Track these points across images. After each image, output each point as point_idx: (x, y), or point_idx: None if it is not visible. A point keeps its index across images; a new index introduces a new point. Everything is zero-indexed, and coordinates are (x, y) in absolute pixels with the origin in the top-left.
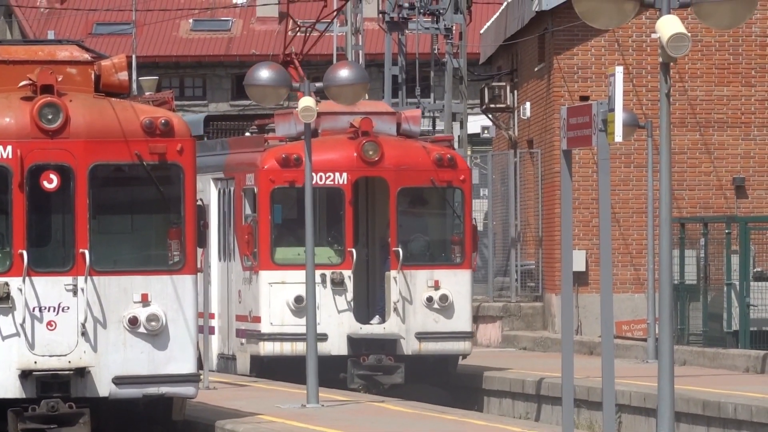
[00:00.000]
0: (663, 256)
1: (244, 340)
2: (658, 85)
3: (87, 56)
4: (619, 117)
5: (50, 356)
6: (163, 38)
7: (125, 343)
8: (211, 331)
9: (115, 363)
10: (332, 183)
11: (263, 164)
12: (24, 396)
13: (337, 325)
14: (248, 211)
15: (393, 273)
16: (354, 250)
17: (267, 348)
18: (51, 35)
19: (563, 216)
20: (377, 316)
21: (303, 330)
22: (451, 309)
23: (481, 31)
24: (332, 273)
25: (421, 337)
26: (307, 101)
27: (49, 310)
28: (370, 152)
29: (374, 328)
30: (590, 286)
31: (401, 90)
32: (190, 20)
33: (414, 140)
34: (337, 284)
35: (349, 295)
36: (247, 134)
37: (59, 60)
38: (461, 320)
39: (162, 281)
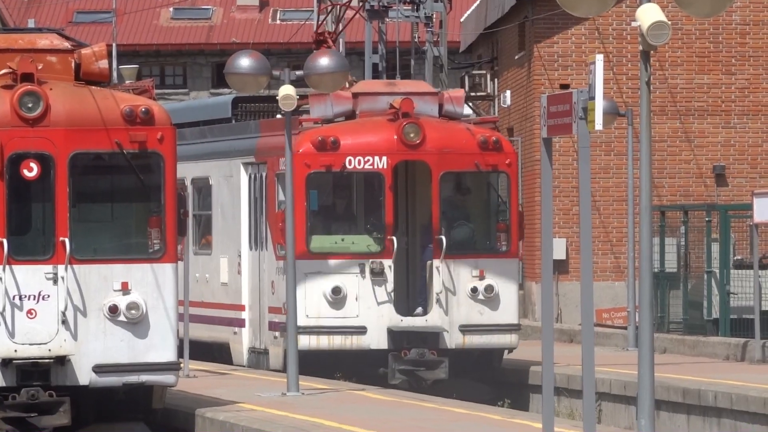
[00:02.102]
0: (643, 244)
1: (278, 334)
2: (639, 73)
3: (67, 45)
4: (599, 105)
5: (30, 344)
6: (143, 27)
7: (105, 332)
8: (241, 323)
9: (95, 351)
10: (371, 167)
11: (298, 147)
12: (4, 384)
13: (377, 318)
14: (282, 197)
15: (435, 262)
16: (394, 239)
17: (302, 342)
18: (31, 24)
19: (543, 204)
20: (419, 308)
21: (341, 323)
22: (496, 300)
23: (462, 20)
24: (371, 263)
25: (466, 330)
26: (286, 90)
27: (29, 299)
28: (411, 135)
29: (416, 321)
30: (570, 274)
31: (381, 78)
32: (171, 9)
33: (457, 122)
34: (377, 274)
35: (390, 285)
36: (278, 116)
37: (39, 48)
38: (507, 312)
39: (142, 269)
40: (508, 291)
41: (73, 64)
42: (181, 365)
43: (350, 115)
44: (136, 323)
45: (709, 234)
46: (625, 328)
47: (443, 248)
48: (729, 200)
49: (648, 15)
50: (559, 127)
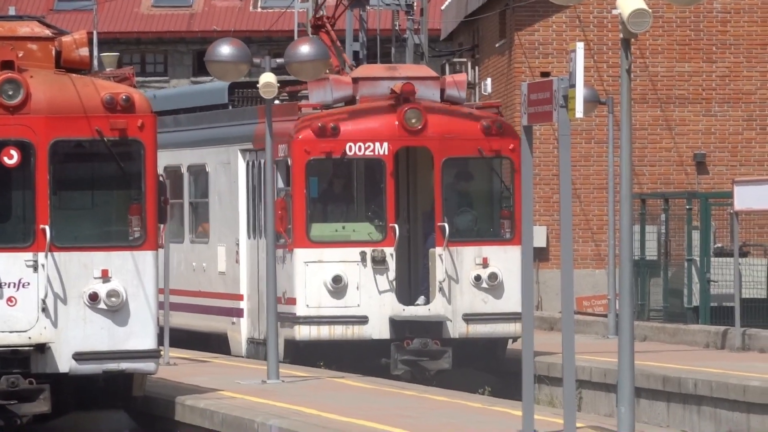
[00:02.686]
0: (624, 232)
1: (278, 324)
2: (619, 61)
3: (48, 32)
4: (579, 93)
5: (10, 332)
6: (124, 14)
7: (85, 319)
8: (239, 313)
9: (75, 339)
10: (372, 154)
11: (297, 134)
12: None
13: (379, 307)
14: (281, 184)
15: (438, 250)
16: (396, 226)
17: (303, 332)
18: (12, 11)
19: (523, 192)
20: (421, 297)
21: (342, 312)
22: (500, 288)
23: (443, 8)
24: (373, 251)
25: (469, 318)
26: (267, 77)
27: (9, 286)
28: (413, 120)
29: (418, 310)
30: (551, 261)
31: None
32: None
33: (460, 107)
34: (378, 263)
35: (391, 274)
36: (276, 102)
37: (20, 36)
38: (512, 300)
39: (122, 257)
40: (512, 279)
41: (53, 52)
42: (161, 353)
43: (350, 101)
44: (116, 311)
45: (690, 222)
46: (606, 315)
47: (446, 235)
48: (709, 188)
49: (629, 3)
50: (540, 115)
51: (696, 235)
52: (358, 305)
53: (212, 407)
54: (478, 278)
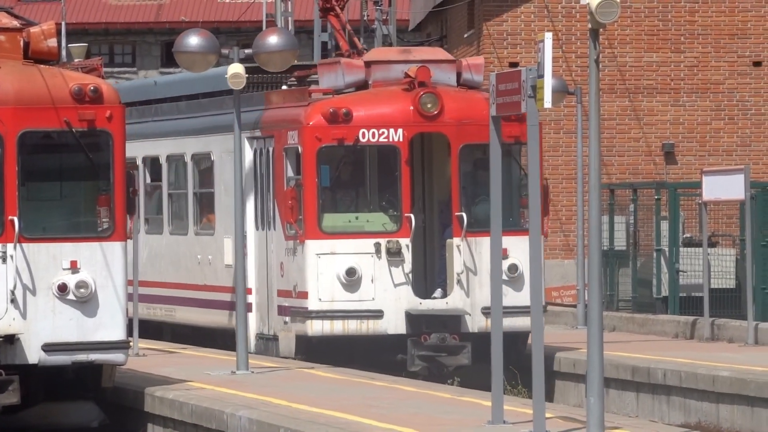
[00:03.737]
0: (592, 222)
1: (288, 319)
2: (588, 51)
3: (16, 23)
4: (548, 83)
5: None
6: (92, 5)
7: (54, 310)
8: (248, 308)
9: (44, 330)
10: (386, 140)
11: (308, 120)
12: None
13: (394, 301)
14: (291, 173)
15: (456, 241)
16: (412, 216)
17: (315, 327)
18: None
19: (492, 182)
20: (438, 290)
21: (356, 306)
22: (521, 280)
23: None
24: (388, 242)
25: (488, 312)
26: (235, 68)
27: None
28: (429, 105)
29: (436, 304)
30: None
31: (330, 57)
32: None
33: (476, 91)
34: (394, 254)
35: (407, 266)
36: (284, 87)
37: None
38: None
39: (91, 248)
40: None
41: (21, 43)
42: (131, 344)
43: (362, 85)
44: (85, 302)
45: (659, 212)
46: (575, 306)
47: (464, 225)
48: (678, 178)
49: None
50: (509, 105)
51: (665, 226)
52: (373, 299)
53: (181, 398)
54: None
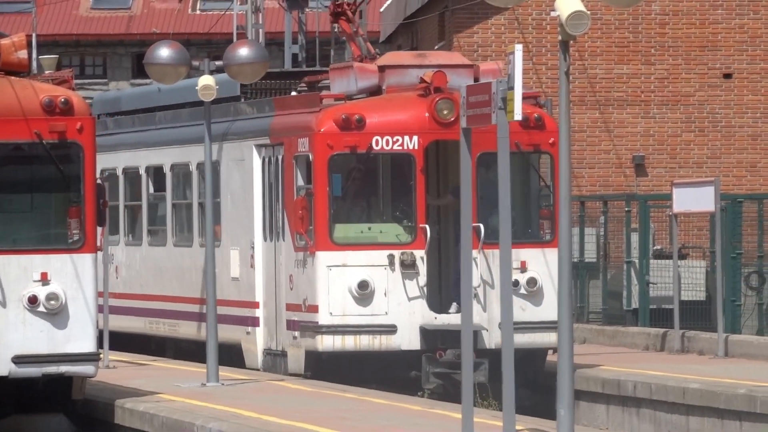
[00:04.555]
0: (562, 234)
1: (297, 334)
2: (558, 63)
3: None
4: (518, 95)
5: None
6: (63, 17)
7: (25, 322)
8: (255, 322)
9: (14, 342)
10: (400, 148)
11: (319, 127)
12: None
13: (408, 315)
14: (301, 182)
15: (473, 253)
16: (427, 227)
17: (326, 342)
18: None
19: (463, 193)
20: (454, 304)
21: (368, 321)
22: (540, 294)
23: (381, 9)
24: (402, 254)
25: None
26: (206, 80)
27: None
28: (445, 111)
29: (451, 318)
30: None
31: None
32: None
33: None
34: (408, 267)
35: (422, 279)
36: (293, 93)
37: None
38: (552, 307)
39: (62, 260)
40: (552, 284)
41: None
42: (101, 356)
43: (376, 91)
44: (56, 314)
45: (629, 224)
46: None
47: (481, 237)
48: (648, 190)
49: (567, 5)
50: (479, 117)
51: (635, 237)
52: (386, 313)
53: (152, 410)
54: (515, 284)
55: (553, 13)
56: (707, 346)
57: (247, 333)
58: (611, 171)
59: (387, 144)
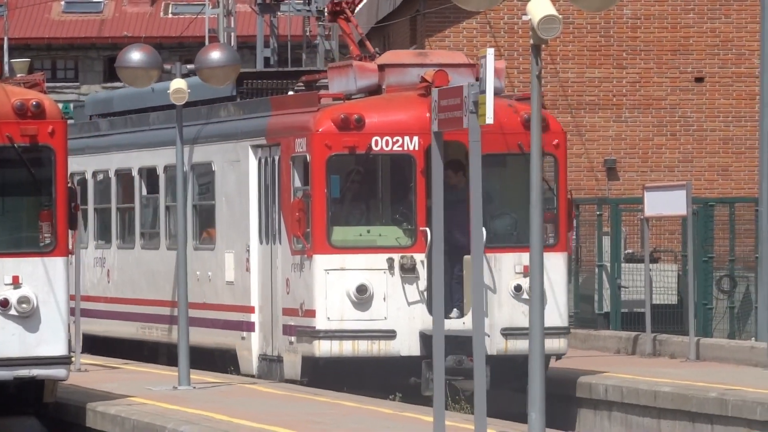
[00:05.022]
0: (534, 238)
1: (293, 339)
2: (530, 66)
3: None
4: (490, 99)
5: None
6: (35, 20)
7: None
8: (250, 327)
9: None
10: (400, 149)
11: (317, 127)
12: None
13: (408, 320)
14: (298, 183)
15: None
16: (428, 230)
17: (323, 348)
18: None
19: (434, 198)
20: (455, 309)
21: (367, 326)
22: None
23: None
24: (401, 257)
25: (508, 333)
26: (178, 83)
27: None
28: None
29: (452, 324)
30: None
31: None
32: (62, 2)
33: (498, 98)
34: (408, 271)
35: (422, 283)
36: (290, 93)
37: None
38: (555, 313)
39: (33, 263)
40: (556, 289)
41: None
42: (73, 359)
43: (375, 90)
44: (27, 317)
45: (600, 228)
46: None
47: (483, 241)
48: (620, 194)
49: (539, 9)
50: (450, 121)
51: (606, 241)
52: (385, 318)
53: (123, 413)
54: (518, 288)
55: (524, 17)
56: (679, 350)
57: (242, 338)
58: (583, 175)
59: (387, 145)
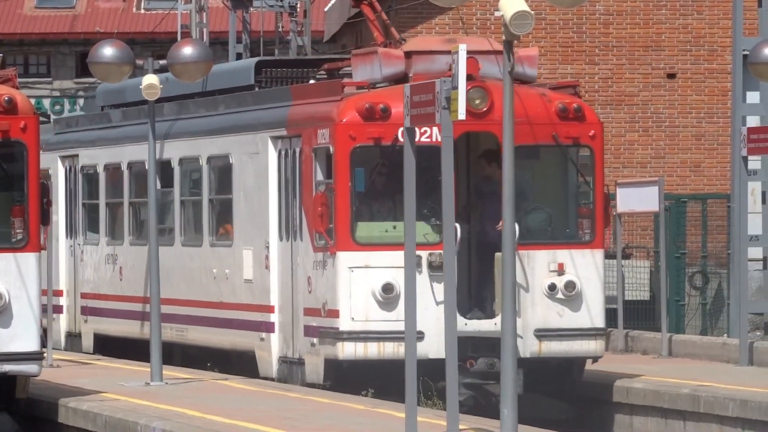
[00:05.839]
0: (506, 235)
1: (315, 340)
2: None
3: None
4: (462, 95)
5: None
6: (6, 15)
7: None
8: (270, 328)
9: None
10: (428, 140)
11: (341, 117)
12: None
13: (436, 321)
14: (320, 176)
15: None
16: (458, 226)
17: (347, 350)
18: None
19: (406, 195)
20: (476, 309)
21: (393, 327)
22: (578, 299)
23: (326, 9)
24: (429, 254)
25: (542, 335)
26: (150, 79)
27: None
28: (477, 101)
29: (483, 325)
30: None
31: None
32: None
33: (530, 86)
34: (436, 269)
35: None
36: (312, 82)
37: None
38: (591, 314)
39: (5, 259)
40: (592, 288)
41: None
42: (45, 355)
43: (402, 78)
44: None
45: None
46: None
47: (515, 237)
48: None
49: (511, 5)
50: (423, 117)
51: None
52: None
53: (95, 409)
54: (552, 287)
55: (497, 13)
56: (651, 346)
57: (261, 339)
58: None
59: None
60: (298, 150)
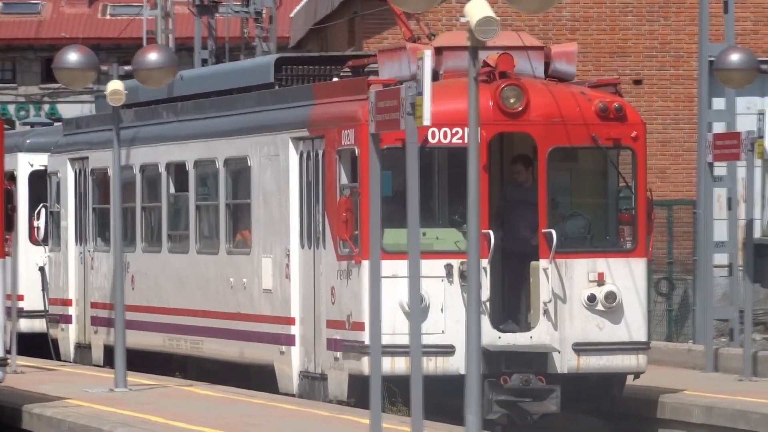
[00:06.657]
0: (471, 240)
1: (339, 354)
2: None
3: None
4: (427, 101)
5: None
6: None
7: None
8: (290, 341)
9: None
10: (460, 141)
11: (367, 117)
12: None
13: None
14: (345, 180)
15: (543, 263)
16: (491, 233)
17: None
18: None
19: (371, 202)
20: (510, 322)
21: (423, 340)
22: (619, 311)
23: (291, 15)
24: (461, 263)
25: (581, 349)
26: (115, 84)
27: None
28: (512, 100)
29: (518, 338)
30: None
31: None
32: (0, 3)
33: (568, 84)
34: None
35: (485, 293)
36: (335, 80)
37: None
38: (633, 326)
39: None
40: (634, 299)
41: None
42: (9, 361)
43: (432, 76)
44: None
45: None
46: None
47: (553, 245)
48: None
49: (476, 11)
50: (388, 123)
51: None
52: (443, 332)
53: (59, 415)
54: (591, 298)
55: (462, 19)
56: None
57: (281, 353)
58: None
59: (445, 137)
60: (321, 152)
